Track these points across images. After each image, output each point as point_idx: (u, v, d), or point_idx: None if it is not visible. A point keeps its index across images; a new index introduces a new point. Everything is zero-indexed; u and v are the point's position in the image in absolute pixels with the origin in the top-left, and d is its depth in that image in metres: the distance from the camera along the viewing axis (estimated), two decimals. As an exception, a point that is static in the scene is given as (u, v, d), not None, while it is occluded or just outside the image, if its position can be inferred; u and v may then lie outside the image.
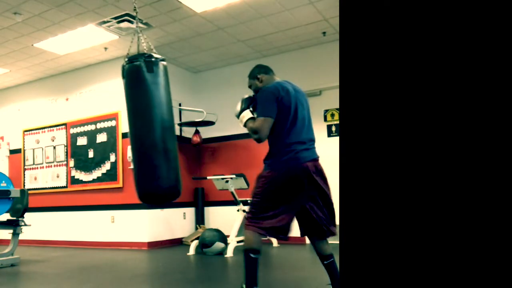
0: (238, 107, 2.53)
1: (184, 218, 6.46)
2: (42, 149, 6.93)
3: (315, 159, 2.40)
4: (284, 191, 2.31)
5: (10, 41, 5.45)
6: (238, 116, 2.53)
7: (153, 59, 2.86)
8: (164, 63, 2.98)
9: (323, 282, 3.36)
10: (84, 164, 6.39)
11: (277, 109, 2.33)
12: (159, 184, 2.76)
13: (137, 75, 2.82)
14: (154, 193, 2.81)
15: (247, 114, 2.47)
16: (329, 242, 2.55)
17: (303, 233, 2.49)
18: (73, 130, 6.57)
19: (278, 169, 2.32)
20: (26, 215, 4.86)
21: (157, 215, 5.98)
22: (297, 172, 2.31)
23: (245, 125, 2.48)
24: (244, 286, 2.39)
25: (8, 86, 7.47)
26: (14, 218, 4.80)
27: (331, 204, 2.41)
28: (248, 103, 2.52)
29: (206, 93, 6.85)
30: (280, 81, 2.51)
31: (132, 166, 2.90)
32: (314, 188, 2.35)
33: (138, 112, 2.83)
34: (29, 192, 5.38)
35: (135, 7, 3.21)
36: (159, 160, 2.76)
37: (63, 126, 6.70)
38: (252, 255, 2.36)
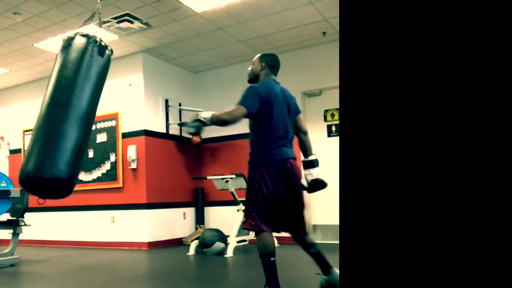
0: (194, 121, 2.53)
1: (184, 218, 6.46)
2: (42, 149, 6.93)
3: (294, 158, 2.58)
4: (274, 184, 2.45)
5: (10, 41, 5.45)
6: (195, 123, 2.52)
7: (100, 45, 2.55)
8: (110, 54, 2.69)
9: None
10: (84, 164, 6.38)
11: (259, 106, 2.47)
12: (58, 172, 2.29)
13: (83, 55, 2.50)
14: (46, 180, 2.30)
15: (206, 113, 2.54)
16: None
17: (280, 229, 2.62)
18: (73, 130, 6.57)
19: (266, 164, 2.46)
20: (26, 215, 4.86)
21: (157, 215, 5.98)
22: (281, 166, 2.48)
23: (211, 119, 2.49)
24: None
25: (8, 86, 7.47)
26: (14, 218, 4.80)
27: (303, 203, 2.59)
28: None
29: (206, 93, 6.85)
30: (270, 80, 2.63)
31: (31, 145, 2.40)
32: (291, 184, 2.52)
33: (64, 89, 2.44)
34: (29, 192, 5.38)
35: None
36: (65, 144, 2.33)
37: (63, 126, 6.70)
38: (272, 259, 2.41)
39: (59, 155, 2.31)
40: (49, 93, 2.43)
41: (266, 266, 2.40)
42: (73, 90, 2.40)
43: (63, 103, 2.37)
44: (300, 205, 2.56)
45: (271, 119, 2.51)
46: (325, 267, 2.59)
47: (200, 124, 2.51)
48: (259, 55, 2.73)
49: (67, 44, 2.53)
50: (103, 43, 2.61)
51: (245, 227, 2.55)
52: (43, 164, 2.30)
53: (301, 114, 2.78)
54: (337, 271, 2.59)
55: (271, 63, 2.67)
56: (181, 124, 6.39)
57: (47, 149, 2.31)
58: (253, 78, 2.70)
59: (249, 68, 2.73)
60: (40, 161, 2.30)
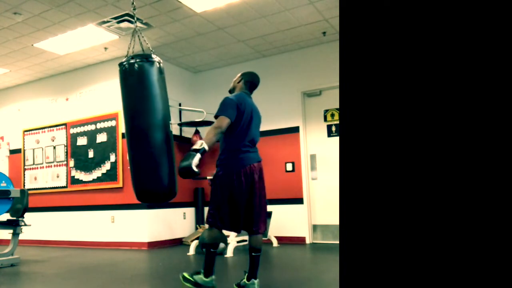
0: (195, 160, 2.65)
1: (184, 218, 6.46)
2: (42, 149, 6.93)
3: (259, 161, 2.88)
4: (236, 187, 2.73)
5: (10, 41, 5.45)
6: (192, 155, 2.66)
7: (150, 59, 2.89)
8: (161, 64, 3.01)
9: (323, 282, 3.37)
10: (84, 164, 6.39)
11: (235, 114, 2.77)
12: (161, 182, 2.81)
13: (140, 75, 2.86)
14: (154, 191, 2.84)
15: (198, 143, 2.74)
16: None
17: (240, 227, 2.86)
18: (73, 130, 6.57)
19: (231, 168, 2.77)
20: (26, 215, 4.86)
21: (157, 215, 5.98)
22: (246, 171, 2.77)
23: (208, 144, 2.74)
24: (193, 276, 2.84)
25: (8, 86, 7.47)
26: (14, 218, 4.80)
27: (263, 204, 2.86)
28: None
29: (206, 93, 6.85)
30: (242, 93, 2.96)
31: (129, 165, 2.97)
32: (255, 187, 2.81)
33: (138, 110, 2.86)
34: (29, 192, 5.38)
35: (134, 7, 3.20)
36: (161, 159, 2.81)
37: (63, 126, 6.70)
38: (212, 250, 2.80)
39: (159, 169, 2.80)
40: (130, 121, 2.88)
41: (207, 255, 2.81)
42: (149, 115, 2.83)
43: (145, 126, 2.81)
44: (254, 206, 2.79)
45: (240, 127, 2.81)
46: (252, 275, 2.86)
47: (196, 153, 2.67)
48: (242, 72, 3.11)
49: (123, 73, 2.92)
50: (153, 59, 2.92)
51: (206, 223, 2.88)
52: (151, 178, 2.81)
53: None
54: (256, 284, 2.84)
55: (248, 79, 3.03)
56: (181, 124, 6.39)
57: (149, 165, 2.81)
58: (232, 89, 3.08)
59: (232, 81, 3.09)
60: (148, 176, 2.82)
